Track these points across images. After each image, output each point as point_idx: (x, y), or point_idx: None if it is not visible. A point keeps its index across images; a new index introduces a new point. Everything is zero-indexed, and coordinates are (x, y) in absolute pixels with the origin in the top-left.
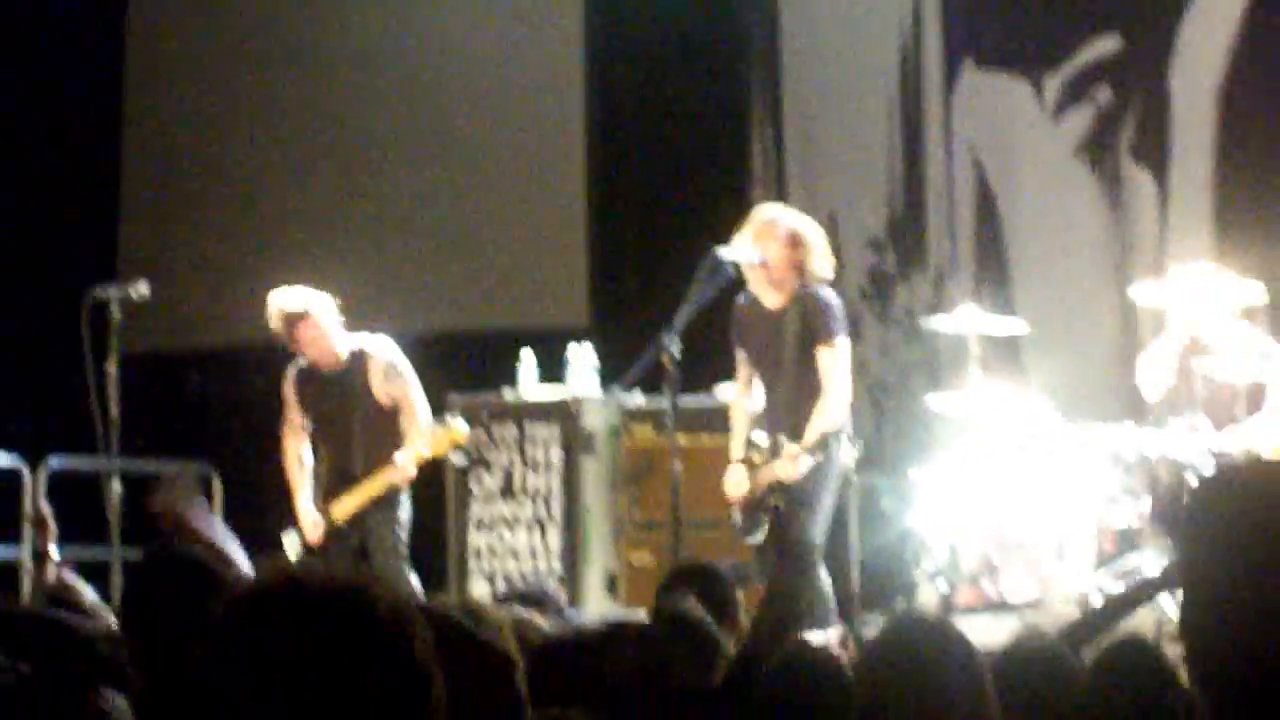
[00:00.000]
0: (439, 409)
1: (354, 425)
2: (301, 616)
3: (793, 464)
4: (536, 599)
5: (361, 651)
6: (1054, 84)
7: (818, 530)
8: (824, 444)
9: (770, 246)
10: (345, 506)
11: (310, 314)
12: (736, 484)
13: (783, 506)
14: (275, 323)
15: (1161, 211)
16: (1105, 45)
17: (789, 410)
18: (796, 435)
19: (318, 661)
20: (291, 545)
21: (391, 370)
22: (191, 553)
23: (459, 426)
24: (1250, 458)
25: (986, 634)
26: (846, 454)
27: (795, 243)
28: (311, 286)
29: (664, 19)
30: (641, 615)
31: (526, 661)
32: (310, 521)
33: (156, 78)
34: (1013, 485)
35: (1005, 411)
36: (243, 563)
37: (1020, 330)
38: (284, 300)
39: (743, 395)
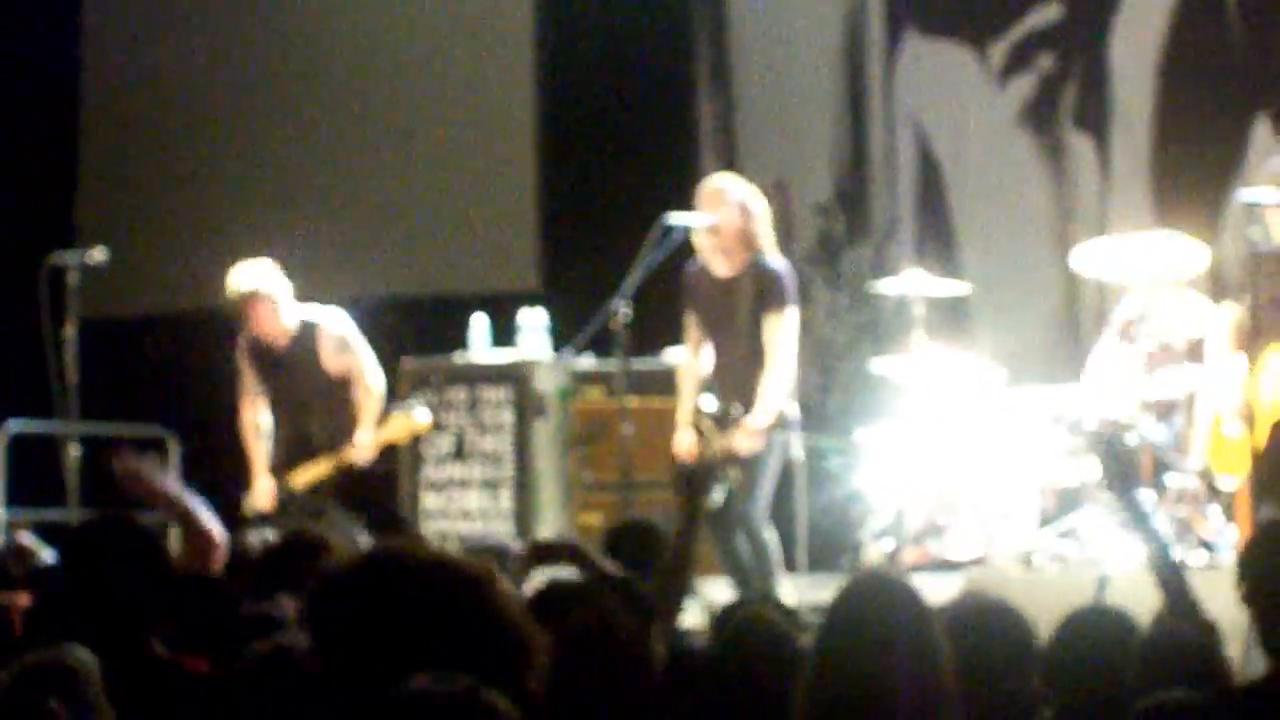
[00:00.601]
0: (392, 373)
1: (308, 396)
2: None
3: (750, 439)
4: (496, 553)
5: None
6: (997, 51)
7: (765, 495)
8: (780, 419)
9: (721, 212)
10: (304, 477)
11: (261, 292)
12: (685, 448)
13: (733, 476)
14: (229, 301)
15: (1103, 177)
16: (1048, 13)
17: (740, 377)
18: (747, 401)
19: (417, 631)
20: (249, 511)
21: (342, 343)
22: (131, 518)
23: (420, 415)
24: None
25: (931, 592)
26: (793, 421)
27: (745, 212)
28: (266, 253)
29: None
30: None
31: None
32: (265, 489)
33: (114, 44)
34: (957, 446)
35: (950, 374)
36: (212, 524)
37: (965, 294)
38: (237, 279)
39: (691, 359)
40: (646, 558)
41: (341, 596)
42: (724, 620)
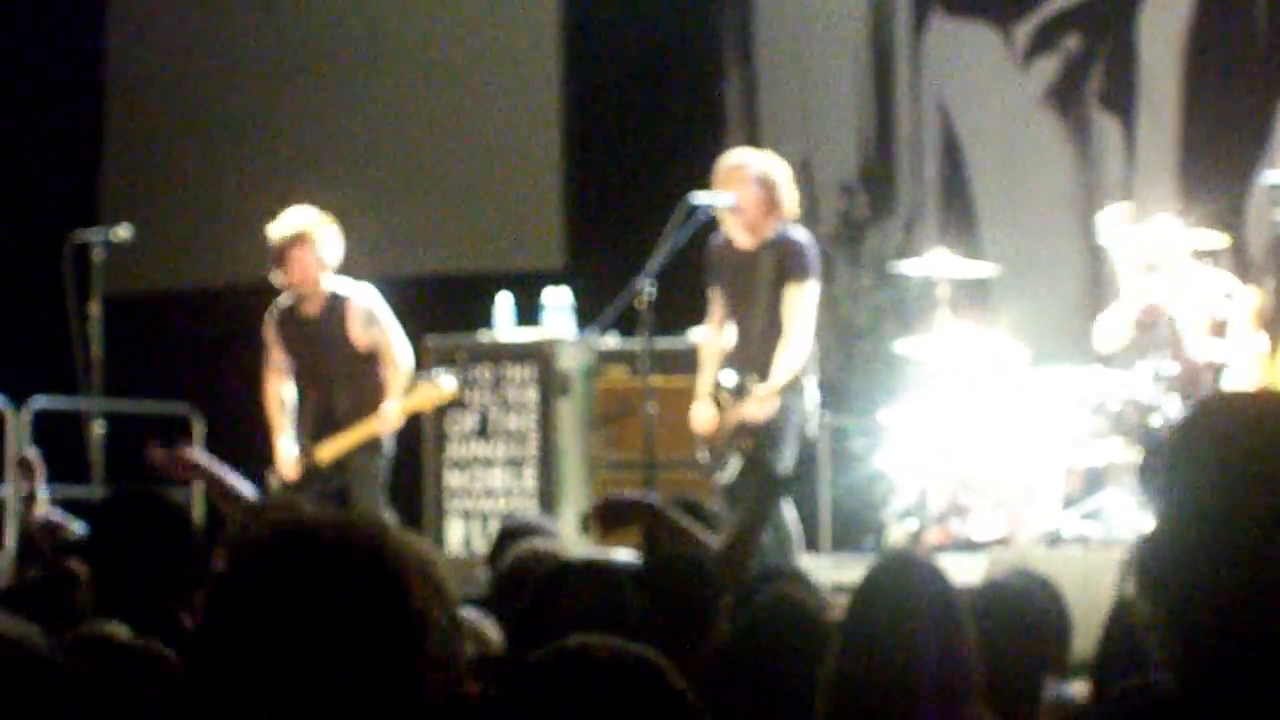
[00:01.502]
0: (417, 351)
1: (335, 370)
2: (309, 562)
3: (760, 406)
4: (534, 530)
5: (365, 595)
6: (1023, 32)
7: (782, 469)
8: (792, 385)
9: (742, 190)
10: (329, 450)
11: (311, 238)
12: (704, 420)
13: (749, 447)
14: (275, 239)
15: (1128, 157)
16: None
17: (761, 350)
18: (764, 373)
19: (320, 605)
20: (273, 484)
21: (370, 317)
22: (156, 492)
23: (446, 384)
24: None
25: (955, 572)
26: (811, 396)
27: (765, 184)
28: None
29: None
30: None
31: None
32: (290, 461)
33: (139, 23)
34: (981, 427)
35: (974, 354)
36: (251, 497)
37: (989, 274)
38: (287, 219)
39: (714, 334)
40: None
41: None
42: (749, 597)
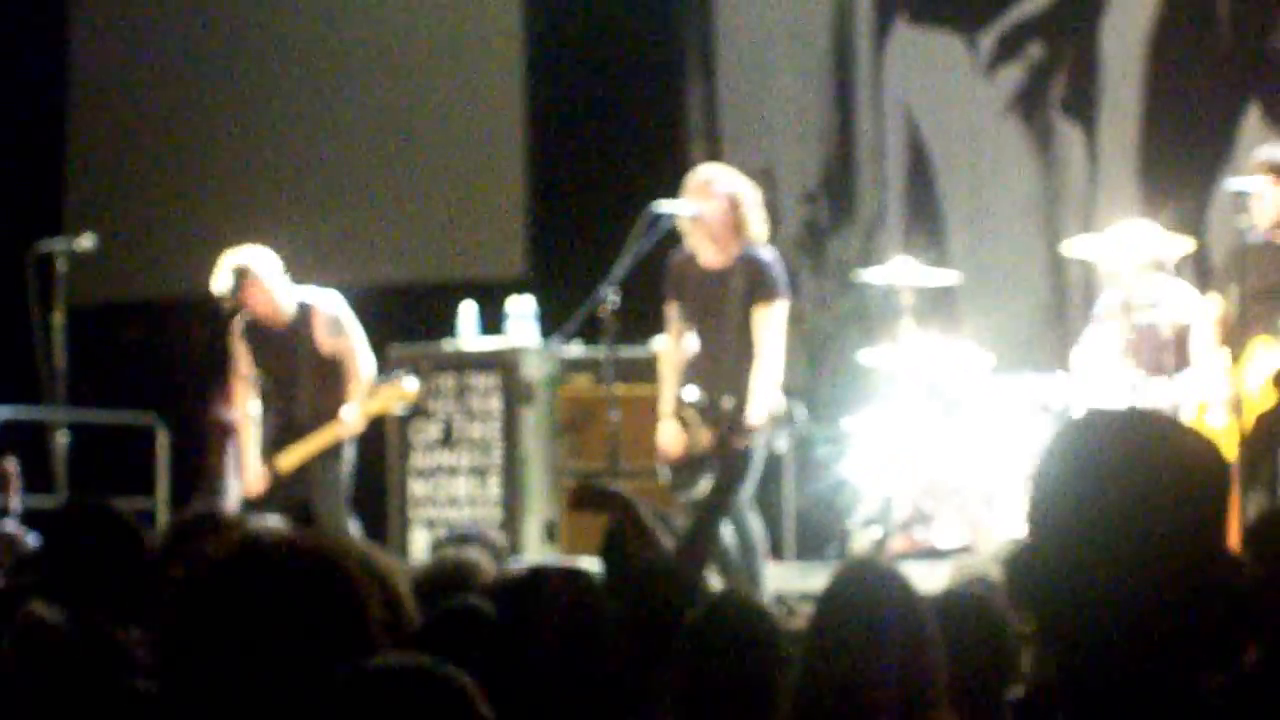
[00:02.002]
0: (381, 360)
1: (299, 378)
2: (259, 578)
3: (745, 435)
4: (478, 542)
5: (317, 605)
6: (987, 39)
7: (750, 484)
8: (779, 419)
9: (708, 205)
10: (291, 457)
11: (254, 273)
12: (671, 440)
13: (720, 469)
14: (222, 287)
15: (1091, 165)
16: (1038, 1)
17: (730, 369)
18: (737, 392)
19: (273, 616)
20: (235, 495)
21: (335, 324)
22: (108, 504)
23: (407, 384)
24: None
25: (919, 580)
26: (779, 409)
27: (734, 203)
28: (255, 239)
29: None
30: (583, 562)
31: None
32: (254, 472)
33: (102, 32)
34: (945, 434)
35: (937, 362)
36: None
37: (952, 282)
38: (230, 261)
39: (672, 349)
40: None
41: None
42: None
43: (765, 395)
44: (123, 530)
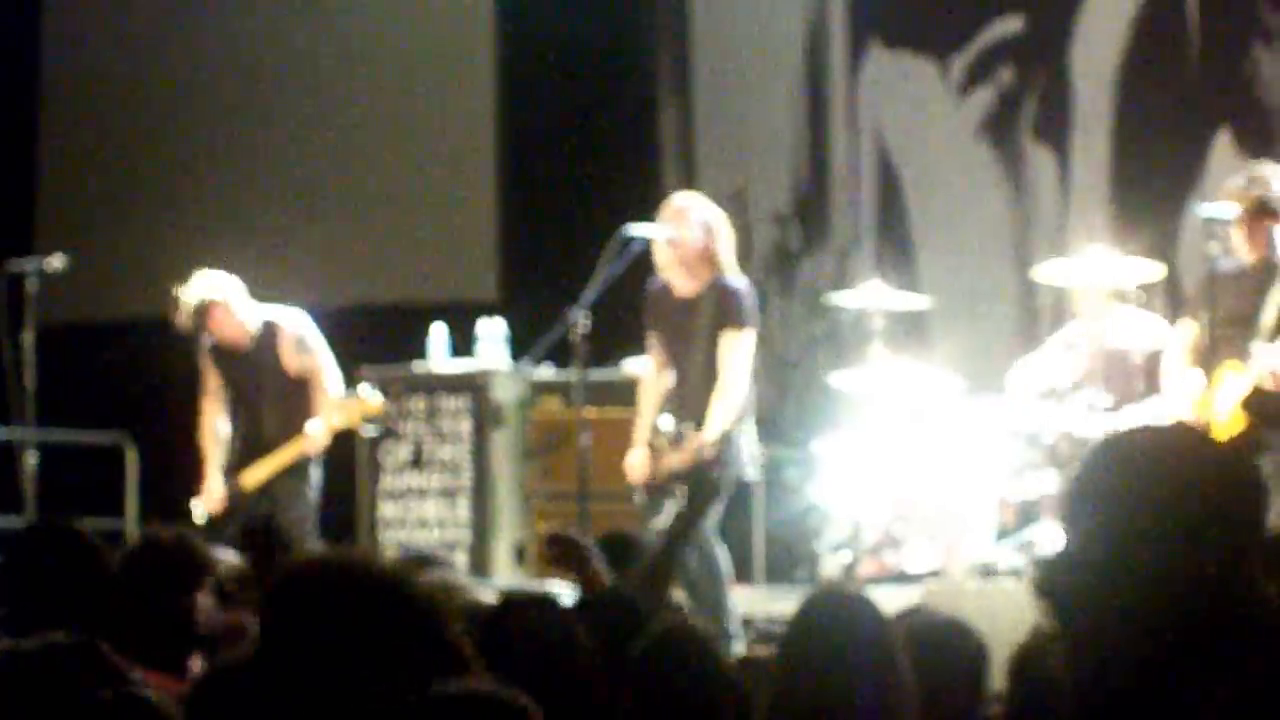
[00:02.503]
0: (351, 381)
1: (265, 396)
2: (351, 598)
3: (693, 455)
4: (428, 563)
5: (404, 628)
6: (959, 64)
7: (715, 511)
8: (727, 439)
9: (682, 231)
10: (255, 475)
11: (218, 301)
12: (638, 467)
13: (681, 495)
14: (186, 316)
15: (1062, 189)
16: (1009, 25)
17: (697, 396)
18: (700, 420)
19: (364, 637)
20: (199, 514)
21: (301, 343)
22: (71, 524)
23: (372, 397)
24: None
25: (888, 604)
26: (749, 441)
27: (708, 231)
28: (226, 260)
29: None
30: (553, 586)
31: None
32: (218, 491)
33: (74, 50)
34: (915, 458)
35: (908, 386)
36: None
37: (923, 306)
38: (192, 292)
39: (653, 378)
40: (626, 570)
41: (299, 599)
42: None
43: (721, 419)
44: (85, 550)
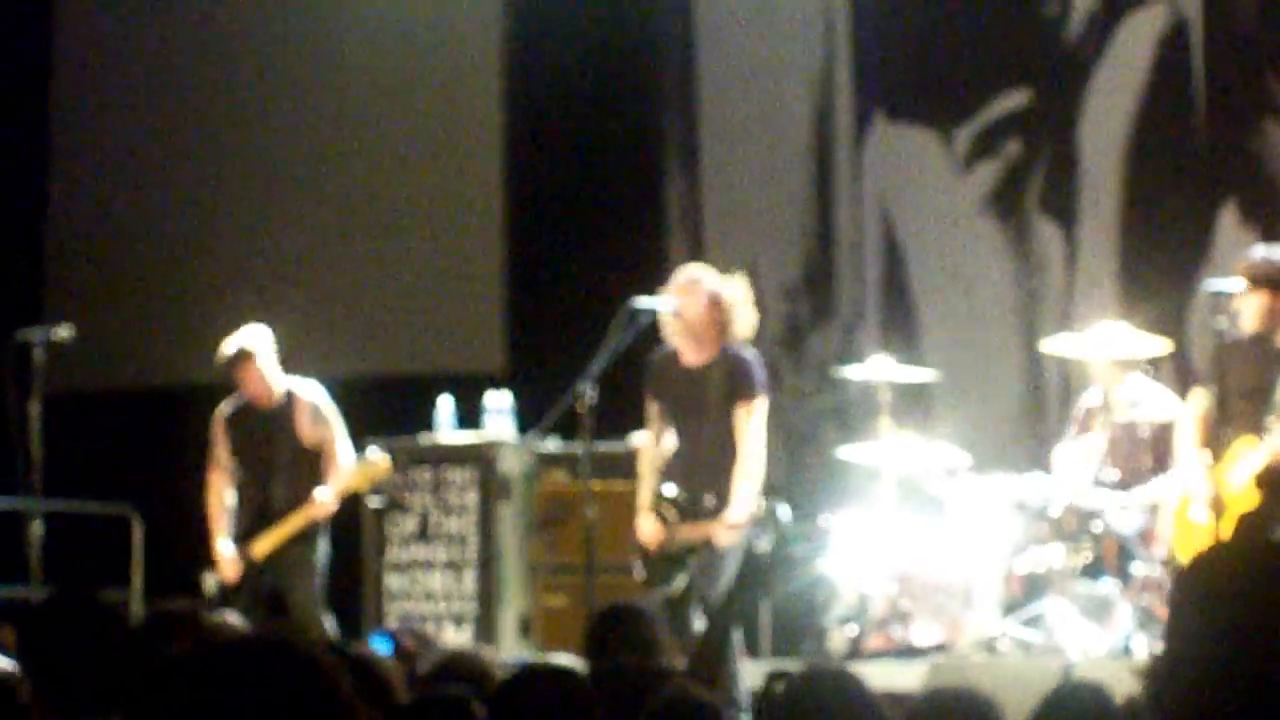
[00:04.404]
0: (358, 453)
1: (278, 465)
2: (231, 676)
3: (729, 532)
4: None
5: (290, 698)
6: (964, 137)
7: (728, 582)
8: (763, 518)
9: (690, 304)
10: (264, 544)
11: (252, 354)
12: (649, 533)
13: (702, 567)
14: (220, 364)
15: (1069, 264)
16: (1015, 99)
17: (710, 466)
18: (718, 491)
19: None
20: (210, 586)
21: (318, 413)
22: (91, 595)
23: (379, 459)
24: (1238, 533)
25: (895, 679)
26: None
27: (716, 303)
28: (232, 331)
29: (581, 70)
30: (559, 658)
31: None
32: (227, 561)
33: (82, 119)
34: (921, 532)
35: (915, 460)
36: None
37: (930, 380)
38: (230, 341)
39: (652, 445)
40: (634, 642)
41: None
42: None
43: (748, 494)
44: (106, 620)
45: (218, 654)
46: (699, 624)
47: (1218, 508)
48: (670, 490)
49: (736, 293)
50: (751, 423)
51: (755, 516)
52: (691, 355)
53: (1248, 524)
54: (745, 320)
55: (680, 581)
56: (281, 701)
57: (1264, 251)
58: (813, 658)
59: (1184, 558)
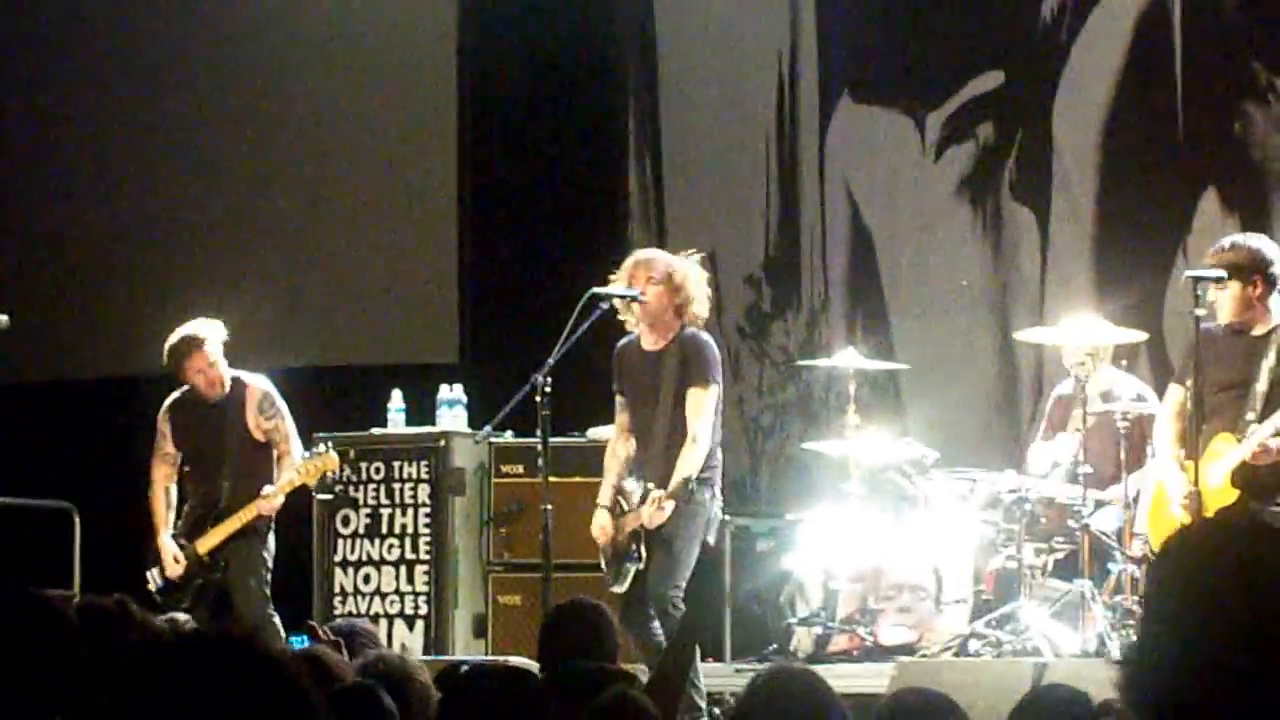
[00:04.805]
0: (307, 446)
1: (225, 458)
2: (191, 674)
3: (655, 510)
4: (345, 634)
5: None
6: (935, 120)
7: (682, 577)
8: (686, 488)
9: (647, 287)
10: (210, 539)
11: (200, 343)
12: (602, 529)
13: (645, 554)
14: (166, 354)
15: (1043, 251)
16: (988, 82)
17: (663, 454)
18: (666, 478)
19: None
20: (154, 581)
21: (266, 403)
22: (35, 593)
23: (328, 453)
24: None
25: (861, 681)
26: (713, 504)
27: (672, 284)
28: (177, 322)
29: (539, 56)
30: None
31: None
32: (172, 556)
33: (20, 107)
34: (890, 529)
35: (883, 454)
36: None
37: (898, 370)
38: (181, 330)
39: (619, 440)
40: (591, 640)
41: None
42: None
43: (684, 474)
44: (51, 619)
45: (172, 651)
46: (653, 622)
47: (1195, 504)
48: (631, 484)
49: (691, 272)
50: (702, 408)
51: (698, 496)
52: (649, 339)
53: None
54: (702, 300)
55: (628, 572)
56: (247, 703)
57: (1235, 239)
58: (776, 659)
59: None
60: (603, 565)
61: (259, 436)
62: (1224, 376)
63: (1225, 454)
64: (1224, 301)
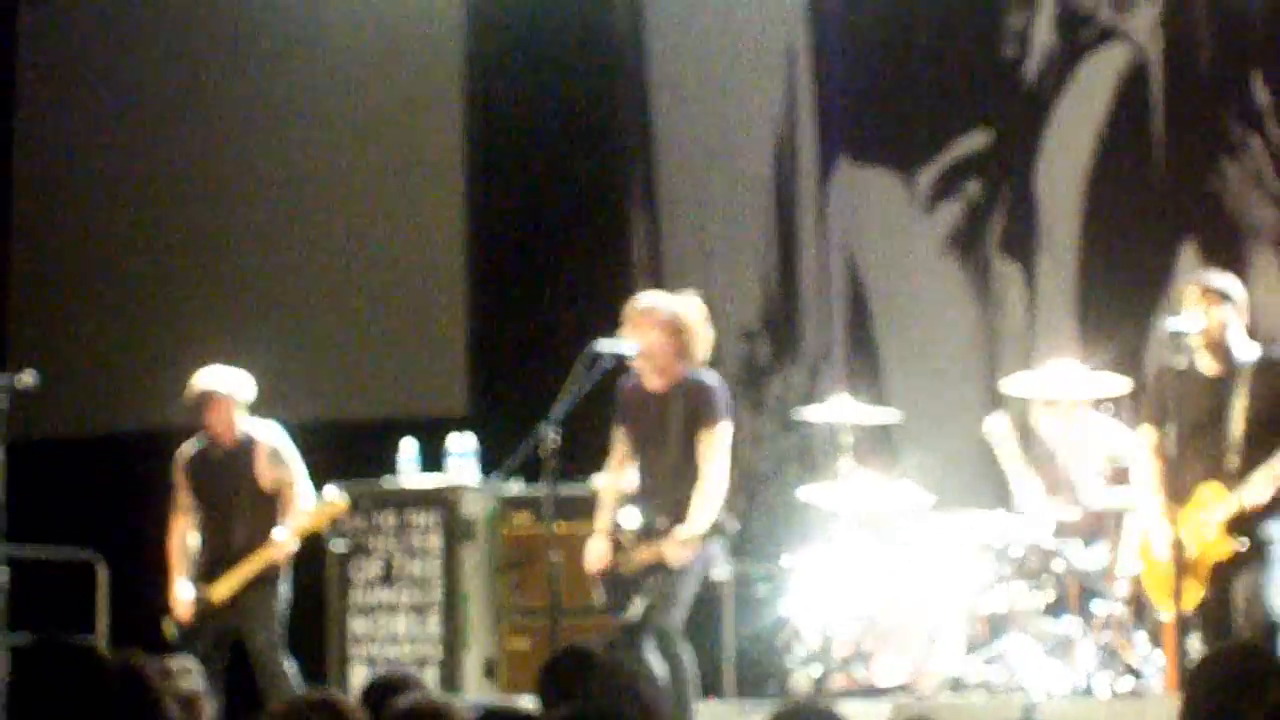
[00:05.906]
0: (317, 493)
1: (237, 507)
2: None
3: (680, 549)
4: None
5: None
6: (925, 178)
7: (683, 609)
8: (714, 530)
9: (649, 334)
10: (223, 587)
11: (221, 393)
12: (598, 557)
13: (654, 589)
14: (188, 399)
15: (1029, 303)
16: (975, 141)
17: (669, 492)
18: (676, 516)
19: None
20: (170, 631)
21: (277, 455)
22: (77, 641)
23: (337, 499)
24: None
25: (859, 719)
26: (717, 541)
27: (674, 328)
28: (194, 374)
29: (543, 112)
30: (522, 701)
31: None
32: (184, 604)
33: (45, 164)
34: (884, 572)
35: (877, 500)
36: None
37: (892, 420)
38: (200, 377)
39: (614, 473)
40: (583, 684)
41: None
42: None
43: (704, 514)
44: (88, 664)
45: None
46: (657, 659)
47: (1177, 550)
48: (629, 517)
49: (692, 312)
50: (714, 448)
51: (709, 537)
52: (654, 382)
53: (1223, 574)
54: (704, 341)
55: (637, 605)
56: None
57: (1211, 273)
58: (791, 696)
59: (1154, 596)
60: (599, 596)
61: (270, 487)
62: (1198, 416)
63: (1217, 506)
64: (1198, 335)
